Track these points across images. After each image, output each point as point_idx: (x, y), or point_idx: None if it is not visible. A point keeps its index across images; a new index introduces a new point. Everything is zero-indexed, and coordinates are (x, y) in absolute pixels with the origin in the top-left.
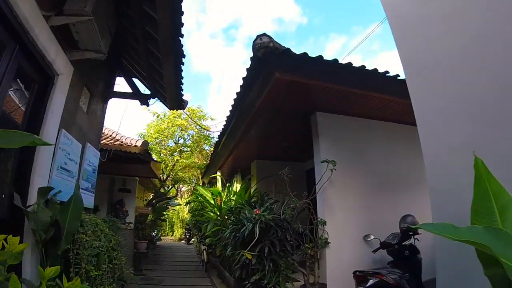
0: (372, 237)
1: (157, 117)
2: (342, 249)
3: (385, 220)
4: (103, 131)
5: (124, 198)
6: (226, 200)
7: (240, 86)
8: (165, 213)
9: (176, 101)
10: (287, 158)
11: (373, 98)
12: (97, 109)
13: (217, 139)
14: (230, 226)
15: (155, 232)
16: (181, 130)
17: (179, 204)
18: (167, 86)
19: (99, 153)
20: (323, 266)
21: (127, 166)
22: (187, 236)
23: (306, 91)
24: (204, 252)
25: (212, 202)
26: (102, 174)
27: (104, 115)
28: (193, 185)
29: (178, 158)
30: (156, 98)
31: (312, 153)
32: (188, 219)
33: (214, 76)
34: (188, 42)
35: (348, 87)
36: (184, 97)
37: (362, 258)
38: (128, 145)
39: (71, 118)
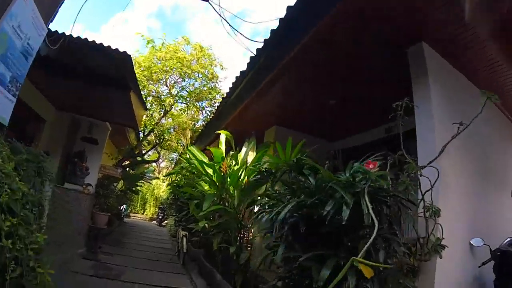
0: (482, 243)
1: (152, 47)
2: (450, 259)
3: (495, 223)
4: None
5: (88, 151)
6: (230, 172)
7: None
8: (139, 184)
9: None
10: (316, 130)
11: None
12: None
13: (228, 92)
14: (288, 198)
15: (125, 206)
16: (182, 68)
17: (157, 178)
18: None
19: (46, 30)
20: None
21: (95, 95)
22: (160, 217)
23: None
24: (184, 239)
25: (210, 171)
26: (61, 111)
27: None
28: (178, 154)
29: (169, 109)
30: None
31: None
32: (164, 197)
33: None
34: None
35: None
36: None
37: (467, 273)
38: (99, 44)
39: None
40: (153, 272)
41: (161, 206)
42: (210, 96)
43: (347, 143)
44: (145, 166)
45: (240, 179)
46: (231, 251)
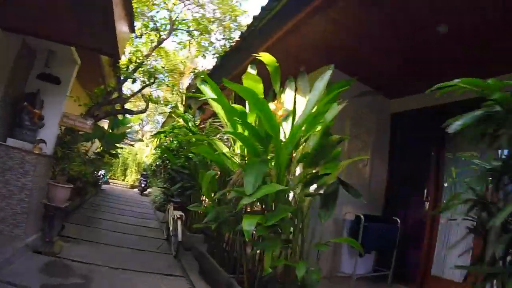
0: None
1: None
2: None
3: None
4: None
5: (44, 93)
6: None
7: None
8: (119, 147)
9: None
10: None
11: None
12: None
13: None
14: None
15: (103, 172)
16: None
17: (141, 140)
18: None
19: None
20: None
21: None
22: (142, 185)
23: None
24: (179, 223)
25: (252, 118)
26: (6, 31)
27: None
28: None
29: (166, 37)
30: None
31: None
32: (148, 163)
33: None
34: None
35: None
36: None
37: None
38: None
39: None
40: (137, 274)
41: (143, 173)
42: (228, 20)
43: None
44: (127, 125)
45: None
46: (299, 274)
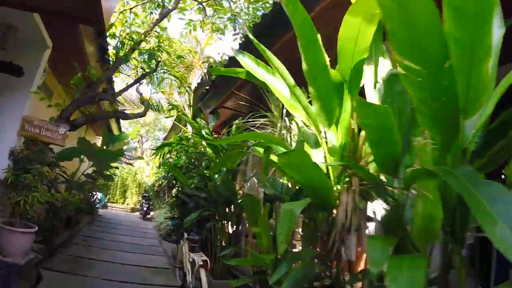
0: None
1: None
2: None
3: None
4: None
5: None
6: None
7: None
8: (115, 168)
9: None
10: None
11: None
12: None
13: None
14: None
15: (100, 195)
16: None
17: (141, 158)
18: None
19: None
20: None
21: None
22: (144, 209)
23: None
24: (202, 272)
25: None
26: None
27: None
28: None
29: (170, 7)
30: None
31: None
32: (150, 183)
33: None
34: None
35: None
36: None
37: None
38: None
39: None
40: None
41: (145, 194)
42: None
43: None
44: (125, 140)
45: None
46: None
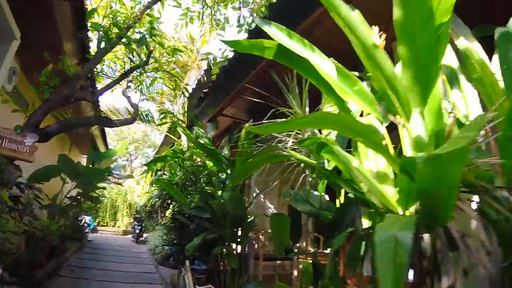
0: None
1: None
2: None
3: None
4: None
5: None
6: None
7: None
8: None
9: None
10: None
11: None
12: None
13: None
14: None
15: (89, 220)
16: None
17: (131, 177)
18: None
19: None
20: None
21: None
22: (137, 231)
23: None
24: None
25: None
26: None
27: None
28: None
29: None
30: None
31: None
32: (141, 203)
33: None
34: None
35: None
36: None
37: None
38: None
39: None
40: None
41: (137, 216)
42: None
43: None
44: (112, 157)
45: None
46: None
